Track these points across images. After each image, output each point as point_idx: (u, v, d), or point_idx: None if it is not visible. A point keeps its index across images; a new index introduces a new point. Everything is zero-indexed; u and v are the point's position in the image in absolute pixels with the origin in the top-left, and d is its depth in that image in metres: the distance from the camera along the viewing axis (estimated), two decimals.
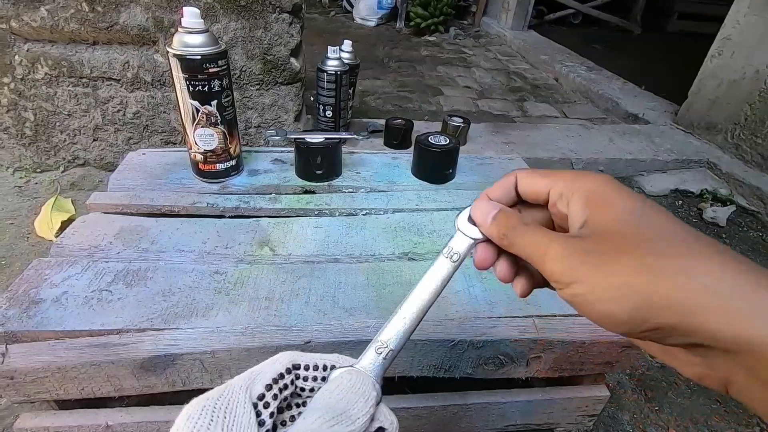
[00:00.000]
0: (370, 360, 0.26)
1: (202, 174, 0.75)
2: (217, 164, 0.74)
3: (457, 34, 3.43)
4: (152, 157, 0.81)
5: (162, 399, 0.55)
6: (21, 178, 1.25)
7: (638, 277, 0.19)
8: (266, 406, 0.23)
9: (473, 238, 0.28)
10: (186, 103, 0.67)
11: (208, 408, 0.21)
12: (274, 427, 0.23)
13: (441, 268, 0.28)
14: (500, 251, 0.27)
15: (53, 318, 0.49)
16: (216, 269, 0.58)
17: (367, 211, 0.73)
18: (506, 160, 0.92)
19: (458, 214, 0.29)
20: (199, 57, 0.64)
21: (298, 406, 0.25)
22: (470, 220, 0.28)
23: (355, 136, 0.85)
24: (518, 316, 0.54)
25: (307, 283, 0.56)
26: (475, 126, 1.64)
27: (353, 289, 0.56)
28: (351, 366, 0.26)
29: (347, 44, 1.31)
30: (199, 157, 0.72)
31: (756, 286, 0.18)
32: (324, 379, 0.25)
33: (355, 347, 0.50)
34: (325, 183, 0.78)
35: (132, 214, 0.68)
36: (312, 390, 0.25)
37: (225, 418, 0.21)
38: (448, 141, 0.80)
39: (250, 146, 1.28)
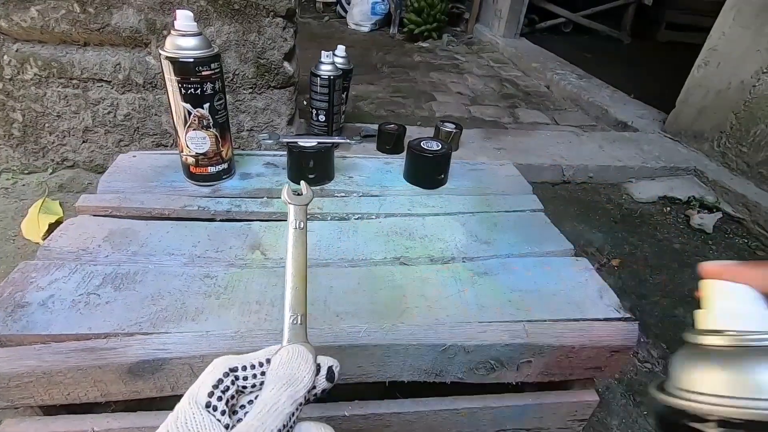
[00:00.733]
0: (292, 332, 0.30)
1: (193, 177, 0.74)
2: (209, 167, 0.73)
3: (450, 40, 3.47)
4: (143, 160, 0.81)
5: (150, 404, 0.54)
6: (8, 179, 1.23)
7: None
8: (215, 409, 0.24)
9: (303, 204, 0.35)
10: (178, 105, 0.67)
11: (171, 430, 0.23)
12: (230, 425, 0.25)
13: (296, 238, 0.33)
14: None
15: (39, 322, 0.48)
16: (206, 273, 0.57)
17: (360, 215, 0.73)
18: (498, 166, 0.92)
19: (283, 191, 0.35)
20: (191, 60, 0.63)
21: (250, 403, 0.27)
22: (294, 191, 0.35)
23: (348, 141, 0.85)
24: (509, 321, 0.54)
25: None
26: (467, 132, 1.65)
27: (345, 294, 0.56)
28: (281, 346, 0.29)
29: (341, 49, 1.32)
30: (191, 160, 0.72)
31: None
32: (263, 374, 0.27)
33: (346, 351, 0.50)
34: (318, 187, 0.78)
35: (122, 217, 0.68)
36: (254, 386, 0.27)
37: (189, 429, 0.23)
38: (440, 146, 0.81)
39: (243, 150, 1.28)
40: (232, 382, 0.26)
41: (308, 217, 0.35)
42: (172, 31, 0.64)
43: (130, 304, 0.51)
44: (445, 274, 0.61)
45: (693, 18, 3.86)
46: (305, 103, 1.31)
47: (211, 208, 0.70)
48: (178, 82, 0.64)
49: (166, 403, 0.53)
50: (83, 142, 1.25)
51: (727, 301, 0.25)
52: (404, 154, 0.84)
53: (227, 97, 0.73)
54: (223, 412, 0.25)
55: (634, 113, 2.08)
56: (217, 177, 0.75)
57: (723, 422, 0.21)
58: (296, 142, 0.76)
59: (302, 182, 0.37)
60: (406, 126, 1.35)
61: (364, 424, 0.56)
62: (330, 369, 0.28)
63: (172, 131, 1.24)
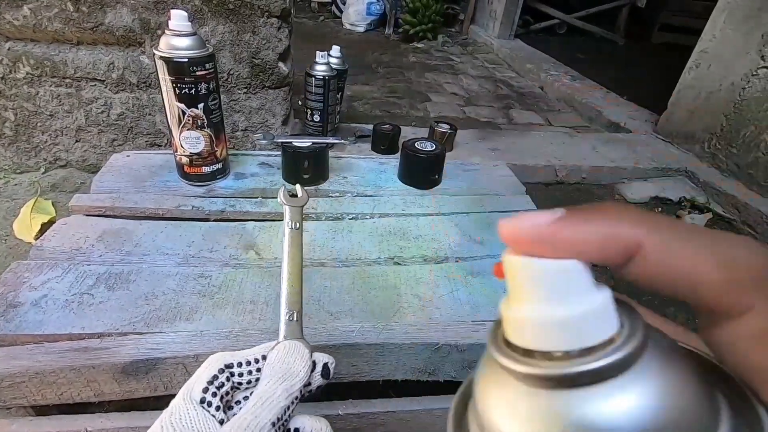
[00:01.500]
0: (288, 329, 0.30)
1: (187, 177, 0.74)
2: (203, 167, 0.74)
3: (445, 41, 3.48)
4: (137, 160, 0.80)
5: (144, 404, 0.54)
6: (0, 179, 1.22)
7: None
8: (209, 405, 0.25)
9: (299, 206, 0.36)
10: (172, 105, 0.67)
11: (165, 427, 0.23)
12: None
13: (292, 238, 0.34)
14: None
15: (32, 322, 0.48)
16: (201, 273, 0.57)
17: (354, 215, 0.73)
18: (492, 167, 0.93)
19: (279, 193, 0.36)
20: (186, 60, 0.63)
21: (246, 398, 0.27)
22: (289, 193, 0.36)
23: (343, 141, 0.85)
24: None
25: None
26: (461, 132, 1.66)
27: (339, 293, 0.57)
28: (277, 342, 0.29)
29: (336, 49, 1.32)
30: (185, 159, 0.72)
31: None
32: (259, 370, 0.27)
33: (340, 350, 0.50)
34: (312, 187, 0.78)
35: (115, 217, 0.68)
36: (249, 382, 0.27)
37: (183, 425, 0.23)
38: (434, 147, 0.81)
39: (237, 150, 1.27)
40: (228, 379, 0.26)
41: (303, 217, 0.36)
42: (167, 31, 0.64)
43: (124, 304, 0.51)
44: (439, 274, 0.61)
45: (686, 20, 3.90)
46: (300, 103, 1.31)
47: (205, 208, 0.70)
48: (173, 82, 0.64)
49: (160, 403, 0.53)
50: (76, 141, 1.24)
51: (538, 291, 0.14)
52: (399, 154, 0.85)
53: (222, 96, 0.73)
54: (217, 408, 0.25)
55: (626, 114, 2.10)
56: (212, 177, 0.75)
57: None
58: (291, 142, 0.77)
59: (298, 185, 0.38)
60: (401, 126, 1.35)
61: (358, 423, 0.57)
62: (325, 366, 0.29)
63: (166, 131, 1.24)
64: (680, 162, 1.69)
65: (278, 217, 0.71)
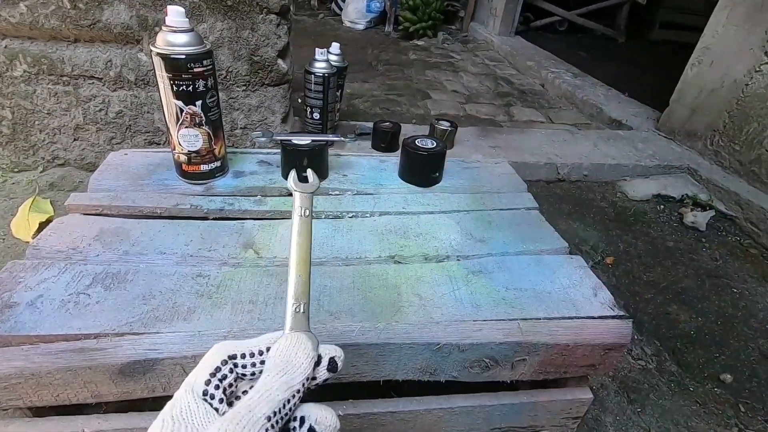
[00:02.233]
0: (294, 320, 0.29)
1: (185, 175, 0.73)
2: (202, 165, 0.73)
3: (445, 38, 3.46)
4: (135, 158, 0.80)
5: (141, 405, 0.53)
6: None
7: None
8: (212, 397, 0.24)
9: (309, 192, 0.34)
10: (170, 103, 0.66)
11: (166, 421, 0.23)
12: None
13: (301, 226, 0.33)
14: None
15: (27, 322, 0.47)
16: (199, 272, 0.57)
17: (354, 213, 0.73)
18: (493, 164, 0.92)
19: (288, 179, 0.34)
20: (183, 56, 0.63)
21: (247, 392, 0.26)
22: (300, 179, 0.34)
23: (343, 139, 0.84)
24: (503, 319, 0.54)
25: None
26: (462, 130, 1.65)
27: (339, 292, 0.56)
28: (282, 333, 0.28)
29: (335, 47, 1.31)
30: (183, 158, 0.71)
31: None
32: (263, 362, 0.27)
33: None
34: None
35: (113, 216, 0.67)
36: (253, 374, 0.26)
37: (184, 418, 0.23)
38: (435, 144, 0.80)
39: (236, 148, 1.27)
40: (231, 370, 0.26)
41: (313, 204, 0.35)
42: (164, 28, 0.63)
43: (121, 304, 0.51)
44: (440, 273, 0.61)
45: (687, 17, 3.88)
46: (299, 101, 1.30)
47: (203, 207, 0.70)
48: (170, 79, 0.64)
49: (158, 403, 0.52)
50: (74, 139, 1.24)
51: None
52: (399, 152, 0.84)
53: (220, 94, 0.72)
54: (221, 400, 0.24)
55: (628, 112, 2.09)
56: (210, 175, 0.74)
57: None
58: (290, 140, 0.76)
59: (309, 170, 0.36)
60: (401, 124, 1.34)
61: (359, 424, 0.56)
62: (332, 359, 0.28)
63: (164, 129, 1.23)
64: (682, 159, 1.68)
65: (277, 216, 0.71)
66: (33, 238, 1.00)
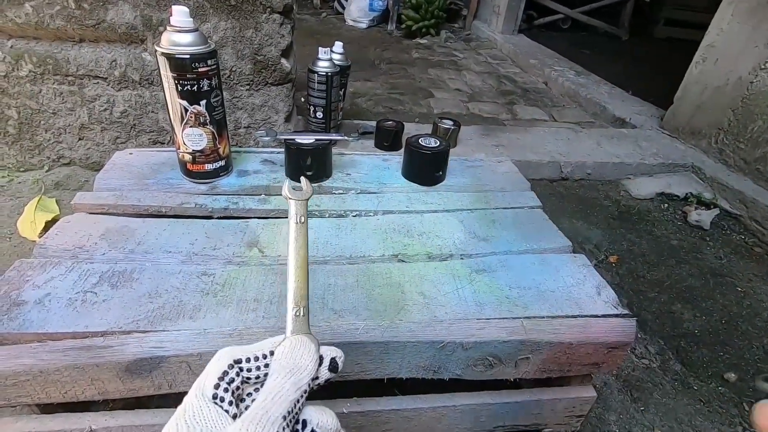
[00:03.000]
0: (295, 324, 0.30)
1: (190, 174, 0.74)
2: (206, 164, 0.73)
3: (448, 37, 3.46)
4: (139, 157, 0.80)
5: (148, 402, 0.54)
6: (3, 177, 1.23)
7: None
8: (222, 400, 0.25)
9: (304, 199, 0.35)
10: (174, 102, 0.66)
11: (180, 425, 0.23)
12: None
13: (298, 232, 0.33)
14: None
15: (35, 320, 0.48)
16: (204, 270, 0.57)
17: (357, 212, 0.73)
18: (496, 163, 0.92)
19: (283, 187, 0.35)
20: (188, 56, 0.63)
21: (257, 391, 0.27)
22: (293, 187, 0.35)
23: (346, 138, 0.84)
24: (506, 318, 0.54)
25: None
26: (465, 129, 1.65)
27: (342, 291, 0.56)
28: (284, 337, 0.29)
29: (338, 45, 1.31)
30: (188, 157, 0.72)
31: None
32: (267, 365, 0.27)
33: (344, 349, 0.50)
34: (316, 184, 0.78)
35: (118, 215, 0.67)
36: (258, 378, 0.27)
37: (197, 422, 0.23)
38: (438, 143, 0.80)
39: (240, 147, 1.27)
40: (237, 374, 0.26)
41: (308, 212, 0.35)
42: (168, 27, 0.63)
43: (127, 302, 0.51)
44: (443, 272, 0.61)
45: (691, 14, 3.86)
46: (303, 100, 1.31)
47: (208, 206, 0.70)
48: (175, 79, 0.64)
49: (164, 400, 0.53)
50: (79, 139, 1.25)
51: None
52: (402, 151, 0.84)
53: (224, 93, 0.73)
54: (230, 403, 0.25)
55: (632, 110, 2.08)
56: (215, 174, 0.75)
57: None
58: (294, 139, 0.76)
59: (302, 178, 0.37)
60: (404, 123, 1.34)
61: (363, 421, 0.57)
62: (333, 360, 0.29)
63: (169, 128, 1.24)
64: (686, 157, 1.68)
65: (282, 215, 0.71)
66: (39, 237, 1.01)
